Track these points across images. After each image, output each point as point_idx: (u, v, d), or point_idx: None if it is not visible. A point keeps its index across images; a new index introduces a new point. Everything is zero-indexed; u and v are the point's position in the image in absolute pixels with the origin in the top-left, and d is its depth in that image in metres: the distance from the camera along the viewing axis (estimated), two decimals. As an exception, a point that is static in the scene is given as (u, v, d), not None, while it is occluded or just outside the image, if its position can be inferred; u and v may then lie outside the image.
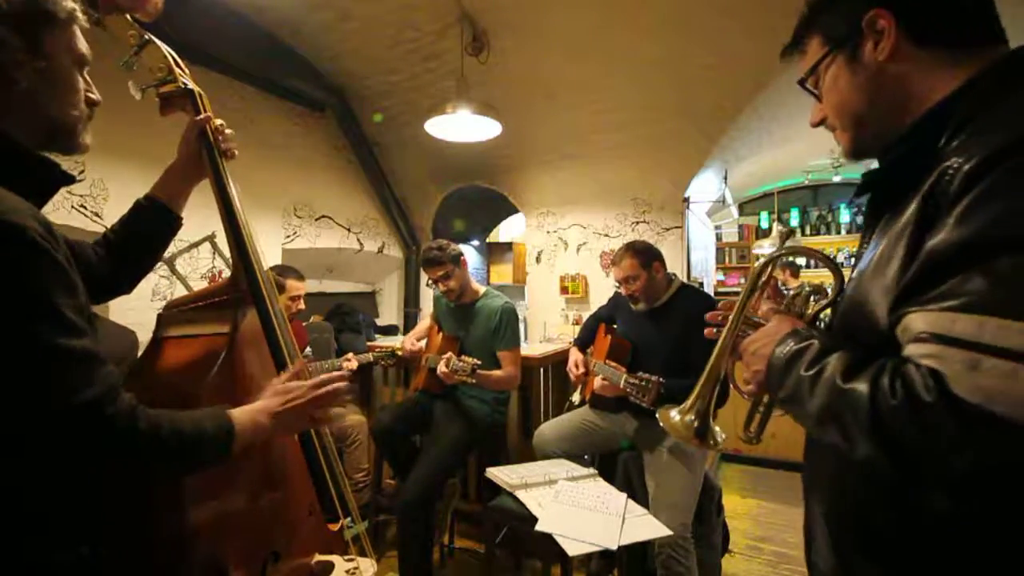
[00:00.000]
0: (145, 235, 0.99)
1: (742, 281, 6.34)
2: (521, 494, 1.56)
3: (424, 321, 2.62)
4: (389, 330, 4.01)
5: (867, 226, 0.69)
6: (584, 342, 2.26)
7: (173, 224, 1.02)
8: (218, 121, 1.01)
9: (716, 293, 5.55)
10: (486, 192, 3.96)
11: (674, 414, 0.80)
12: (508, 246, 5.18)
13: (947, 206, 0.49)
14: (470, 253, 5.10)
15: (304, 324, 3.00)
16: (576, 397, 2.23)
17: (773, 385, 0.64)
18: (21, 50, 0.64)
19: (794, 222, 6.24)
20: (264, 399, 0.84)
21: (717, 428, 0.81)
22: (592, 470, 1.77)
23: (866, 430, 0.48)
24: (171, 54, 1.01)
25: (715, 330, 0.81)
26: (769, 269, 0.80)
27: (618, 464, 1.99)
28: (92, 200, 2.26)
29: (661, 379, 1.63)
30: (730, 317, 0.77)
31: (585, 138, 3.22)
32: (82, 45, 0.72)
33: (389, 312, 4.31)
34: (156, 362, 0.95)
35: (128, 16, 0.94)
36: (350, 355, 2.59)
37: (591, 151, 3.28)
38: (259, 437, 0.81)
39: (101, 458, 0.61)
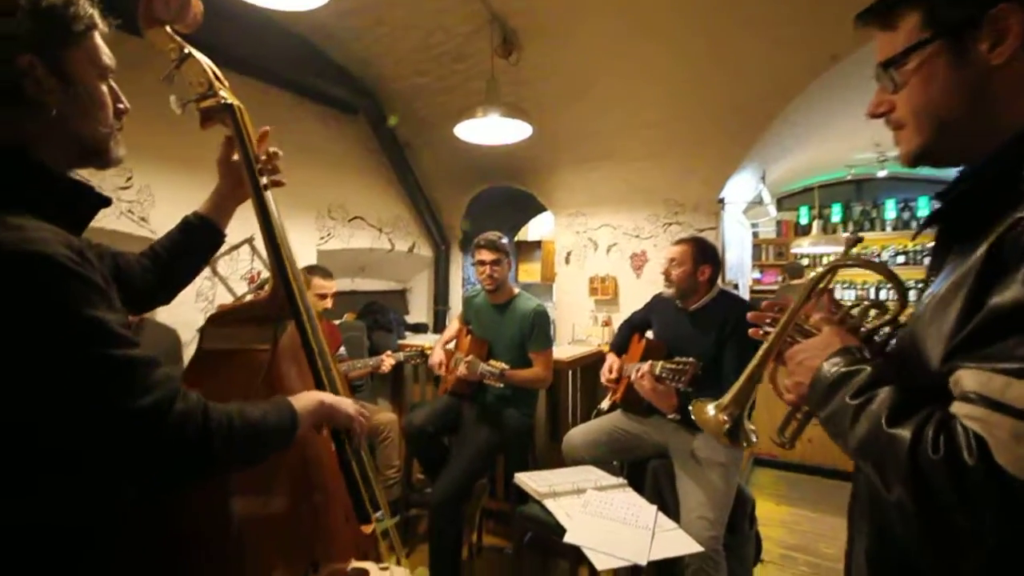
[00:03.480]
0: (192, 250, 1.03)
1: (779, 279, 6.13)
2: (549, 503, 1.56)
3: (452, 324, 2.65)
4: (419, 328, 4.07)
5: (936, 253, 0.64)
6: (619, 348, 2.25)
7: (218, 240, 1.07)
8: (272, 149, 1.02)
9: (752, 292, 5.39)
10: (515, 191, 3.95)
11: (709, 409, 0.80)
12: (537, 244, 5.15)
13: (1017, 260, 0.47)
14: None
15: (337, 323, 3.08)
16: (605, 404, 2.21)
17: (815, 401, 0.63)
18: (47, 76, 0.61)
19: (835, 218, 5.99)
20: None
21: (752, 427, 0.81)
22: (621, 480, 1.76)
23: (902, 477, 0.49)
24: (211, 68, 1.01)
25: (761, 331, 0.81)
26: (829, 277, 0.78)
27: (647, 473, 1.97)
28: (139, 206, 2.37)
29: (698, 362, 1.63)
30: (780, 321, 0.75)
31: (617, 138, 3.17)
32: (105, 55, 0.69)
33: (419, 310, 4.37)
34: (201, 375, 1.00)
35: (168, 29, 0.95)
36: (388, 352, 2.66)
37: (623, 151, 3.22)
38: (315, 418, 0.87)
39: (177, 460, 0.60)
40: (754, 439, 0.78)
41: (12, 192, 0.59)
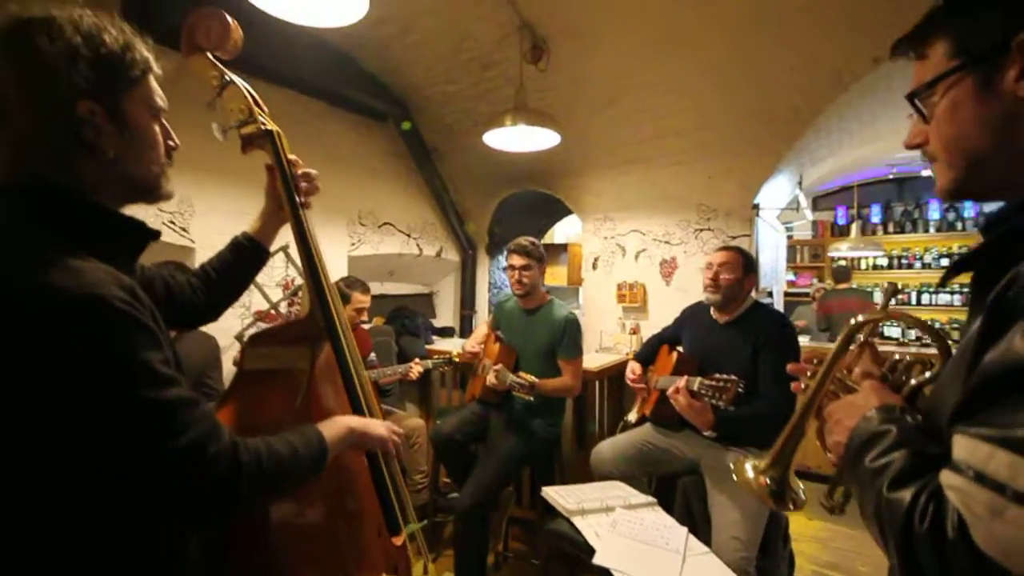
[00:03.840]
0: (241, 268, 1.08)
1: (814, 282, 5.93)
2: (578, 521, 1.55)
3: (481, 327, 2.66)
4: (446, 332, 4.10)
5: (972, 299, 0.58)
6: (645, 360, 2.21)
7: (264, 258, 1.11)
8: (301, 170, 1.05)
9: (786, 295, 5.23)
10: (541, 195, 3.94)
11: (748, 469, 0.76)
12: (563, 247, 5.11)
13: (1007, 319, 0.44)
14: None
15: (367, 328, 3.13)
16: (632, 416, 2.19)
17: (847, 463, 0.60)
18: (105, 121, 0.63)
19: (875, 219, 5.76)
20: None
21: (800, 485, 0.76)
22: (651, 498, 1.73)
23: (895, 545, 0.47)
24: (251, 94, 1.03)
25: (802, 385, 0.77)
26: (868, 329, 0.73)
27: (677, 490, 1.93)
28: (180, 216, 2.46)
29: (740, 379, 1.60)
30: (818, 375, 0.72)
31: (648, 143, 3.11)
32: (158, 96, 0.71)
33: (445, 314, 4.41)
34: (242, 395, 1.03)
35: (209, 55, 0.98)
36: (417, 360, 2.69)
37: (653, 156, 3.17)
38: (344, 446, 0.86)
39: (207, 500, 0.62)
40: (803, 497, 0.73)
41: (73, 234, 0.62)
